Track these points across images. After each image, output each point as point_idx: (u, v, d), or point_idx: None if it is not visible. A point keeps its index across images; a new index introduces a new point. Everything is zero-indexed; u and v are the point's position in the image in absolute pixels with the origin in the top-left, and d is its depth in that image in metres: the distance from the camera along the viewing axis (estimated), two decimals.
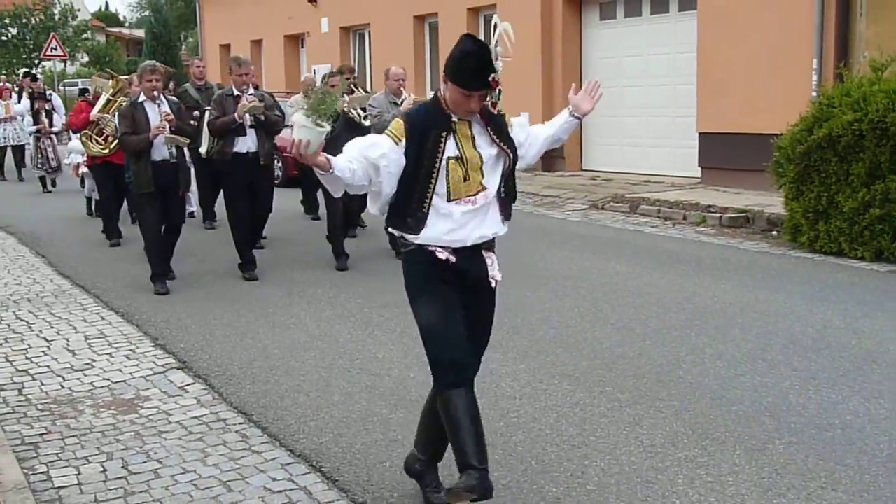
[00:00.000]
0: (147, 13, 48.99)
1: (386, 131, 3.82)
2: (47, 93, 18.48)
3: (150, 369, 6.29)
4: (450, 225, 3.80)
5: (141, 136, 8.22)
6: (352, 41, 22.79)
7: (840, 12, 11.84)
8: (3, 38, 41.70)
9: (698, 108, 13.91)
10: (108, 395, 5.78)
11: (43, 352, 6.71)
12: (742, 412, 5.21)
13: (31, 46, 41.35)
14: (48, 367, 6.36)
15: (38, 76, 21.35)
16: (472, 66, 3.66)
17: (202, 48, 29.96)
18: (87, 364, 6.41)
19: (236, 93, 8.83)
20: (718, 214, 11.46)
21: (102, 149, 10.66)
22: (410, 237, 3.83)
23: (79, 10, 44.65)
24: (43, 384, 5.99)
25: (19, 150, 18.77)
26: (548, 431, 5.03)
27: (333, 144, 8.70)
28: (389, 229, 3.98)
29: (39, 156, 16.37)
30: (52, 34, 30.78)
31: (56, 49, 27.18)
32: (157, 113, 8.32)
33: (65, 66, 29.21)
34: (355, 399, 5.59)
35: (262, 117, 8.81)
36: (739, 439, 4.83)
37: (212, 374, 6.13)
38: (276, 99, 10.63)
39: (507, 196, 3.99)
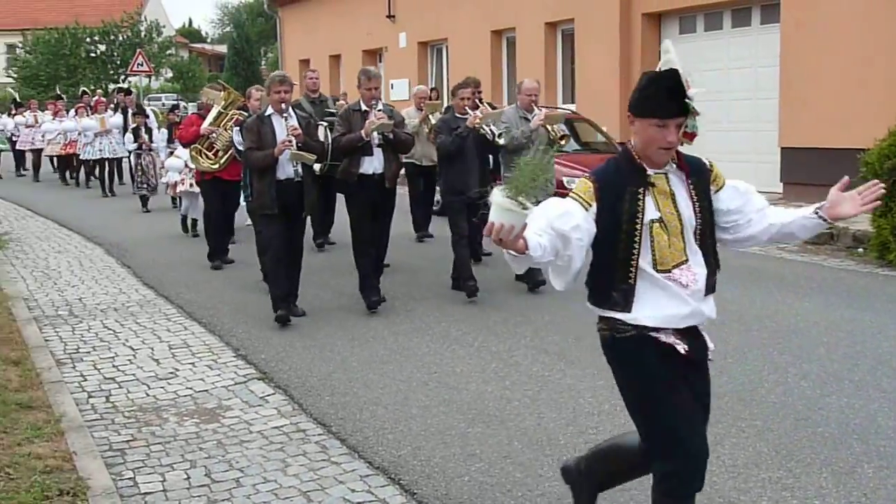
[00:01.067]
0: (229, 29, 50.13)
1: (572, 195, 3.31)
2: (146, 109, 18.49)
3: (231, 379, 6.41)
4: (668, 300, 3.30)
5: (266, 151, 7.61)
6: (429, 56, 22.95)
7: None
8: (93, 54, 43.00)
9: (781, 122, 13.66)
10: (192, 404, 5.90)
11: (129, 360, 6.88)
12: (828, 434, 5.08)
13: (119, 62, 42.58)
14: (134, 375, 6.52)
15: (132, 90, 21.61)
16: (664, 88, 3.22)
17: (282, 63, 30.49)
18: (171, 373, 6.55)
19: (364, 108, 8.01)
20: None
21: (212, 164, 10.17)
22: (621, 316, 3.34)
23: (164, 27, 45.88)
24: (129, 392, 6.15)
25: (109, 164, 18.53)
26: None
27: (461, 162, 8.48)
28: (596, 311, 3.47)
29: (140, 173, 15.83)
30: (138, 50, 31.63)
31: (142, 65, 27.92)
32: (284, 127, 7.70)
33: (149, 81, 29.98)
34: (433, 412, 5.61)
35: (391, 136, 8.02)
36: (826, 462, 4.71)
37: (292, 385, 6.21)
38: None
39: (711, 266, 3.41)
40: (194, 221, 12.57)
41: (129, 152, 16.19)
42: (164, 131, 15.16)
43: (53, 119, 21.04)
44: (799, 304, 8.05)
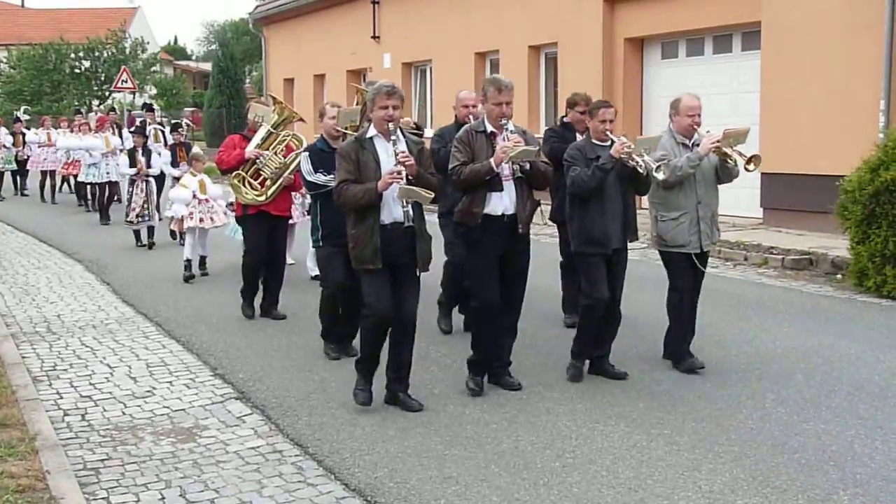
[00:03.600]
0: (214, 47, 50.15)
1: None
2: (148, 127, 16.21)
3: (208, 398, 6.37)
4: None
5: (367, 186, 5.76)
6: (413, 77, 23.02)
7: None
8: (77, 70, 42.89)
9: (761, 148, 13.66)
10: (168, 423, 5.86)
11: (106, 378, 6.83)
12: (805, 460, 5.10)
13: (103, 79, 42.47)
14: (110, 393, 6.48)
15: (155, 106, 19.11)
16: None
17: (266, 82, 30.51)
18: (148, 391, 6.51)
19: (490, 129, 6.21)
20: (781, 256, 11.28)
21: (258, 195, 8.40)
22: None
23: (148, 44, 45.75)
24: (105, 410, 6.10)
25: (111, 188, 16.65)
26: (604, 473, 4.97)
27: (600, 202, 6.37)
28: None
29: (126, 205, 13.31)
30: (122, 67, 31.53)
31: (126, 82, 27.85)
32: (391, 154, 5.80)
33: (133, 97, 29.91)
34: (410, 434, 5.59)
35: (528, 165, 6.18)
36: (802, 489, 4.73)
37: (269, 406, 6.18)
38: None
39: None
40: (203, 259, 10.98)
41: (124, 176, 13.75)
42: (167, 153, 13.61)
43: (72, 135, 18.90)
44: (777, 329, 8.08)
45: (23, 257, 12.61)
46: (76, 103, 38.07)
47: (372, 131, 5.94)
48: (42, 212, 18.37)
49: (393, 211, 5.84)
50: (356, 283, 6.24)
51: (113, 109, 20.87)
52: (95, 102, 39.98)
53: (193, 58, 69.96)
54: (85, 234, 14.77)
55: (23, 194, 21.64)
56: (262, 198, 8.43)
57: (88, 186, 17.65)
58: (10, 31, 50.19)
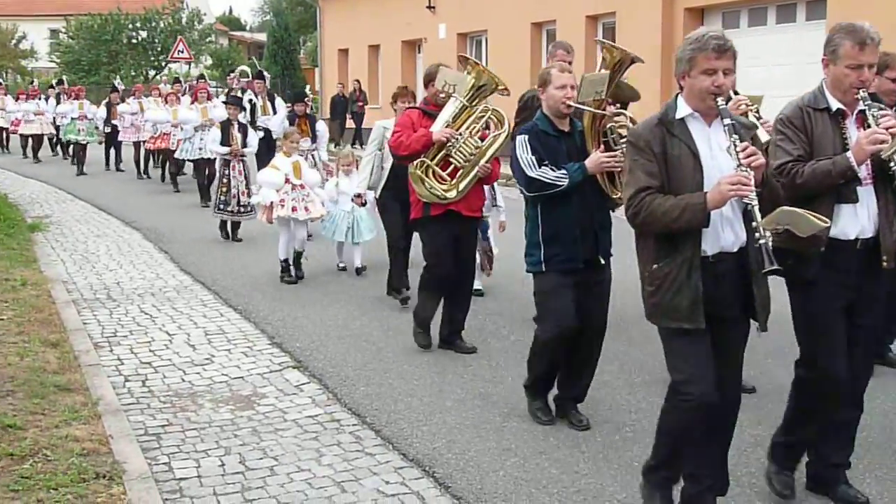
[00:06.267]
0: (269, 18, 50.35)
1: None
2: (252, 97, 14.27)
3: (266, 367, 6.41)
4: None
5: (688, 200, 3.67)
6: (469, 47, 22.89)
7: None
8: (134, 40, 43.40)
9: None
10: (227, 391, 5.90)
11: (165, 345, 6.91)
12: (872, 439, 4.98)
13: (159, 49, 42.94)
14: (170, 360, 6.55)
15: (264, 72, 15.83)
16: None
17: (321, 52, 30.57)
18: (207, 359, 6.57)
19: (836, 105, 4.20)
20: None
21: (447, 190, 6.32)
22: None
23: (204, 15, 46.13)
24: (165, 377, 6.17)
25: (210, 165, 13.88)
26: None
27: None
28: None
29: (224, 190, 11.14)
30: (179, 37, 31.83)
31: (182, 52, 28.09)
32: (720, 146, 3.75)
33: (189, 68, 30.15)
34: (468, 406, 5.57)
35: None
36: (869, 468, 4.63)
37: (326, 375, 6.20)
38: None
39: None
40: (298, 256, 9.24)
41: (213, 154, 11.87)
42: (286, 122, 11.93)
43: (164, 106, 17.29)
44: None
45: (82, 225, 12.79)
46: (162, 72, 38.28)
47: (684, 109, 3.80)
48: (100, 180, 18.51)
49: (721, 236, 3.78)
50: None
51: (202, 76, 19.67)
52: (152, 73, 40.40)
53: (248, 28, 70.27)
54: (143, 203, 14.92)
55: (118, 169, 19.89)
56: (453, 193, 6.31)
57: (184, 162, 15.84)
58: (69, 1, 50.85)
